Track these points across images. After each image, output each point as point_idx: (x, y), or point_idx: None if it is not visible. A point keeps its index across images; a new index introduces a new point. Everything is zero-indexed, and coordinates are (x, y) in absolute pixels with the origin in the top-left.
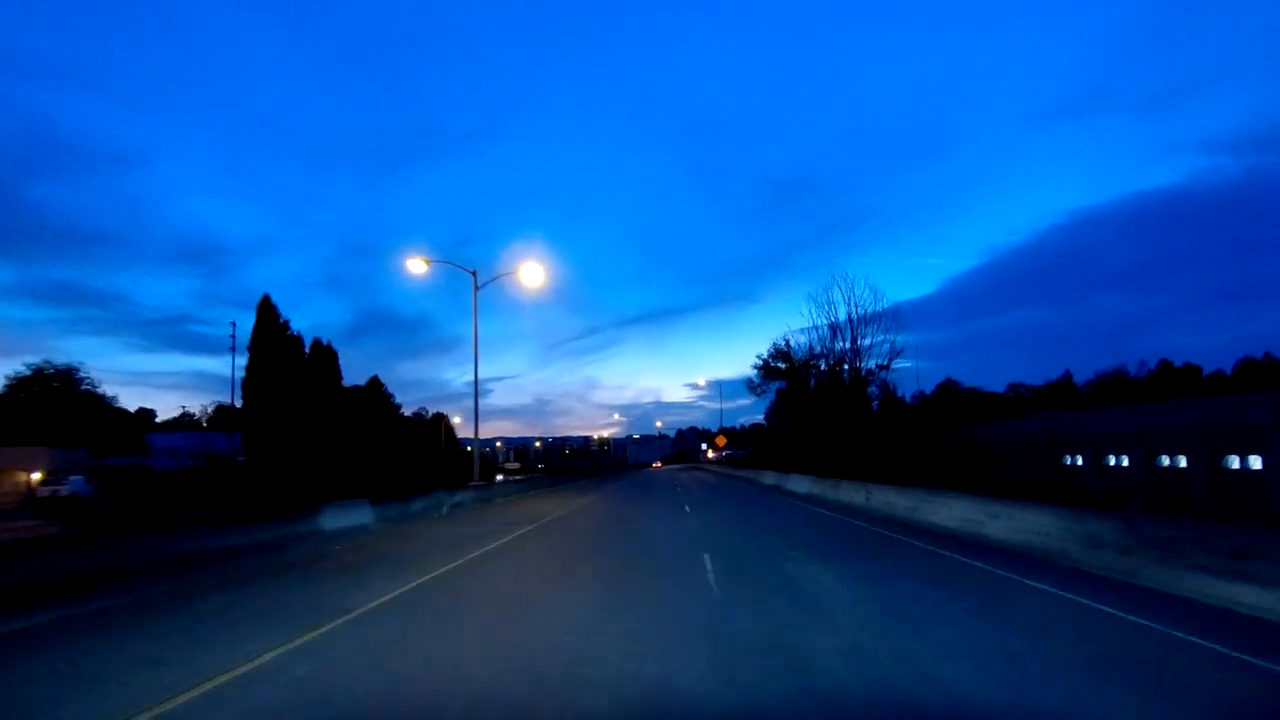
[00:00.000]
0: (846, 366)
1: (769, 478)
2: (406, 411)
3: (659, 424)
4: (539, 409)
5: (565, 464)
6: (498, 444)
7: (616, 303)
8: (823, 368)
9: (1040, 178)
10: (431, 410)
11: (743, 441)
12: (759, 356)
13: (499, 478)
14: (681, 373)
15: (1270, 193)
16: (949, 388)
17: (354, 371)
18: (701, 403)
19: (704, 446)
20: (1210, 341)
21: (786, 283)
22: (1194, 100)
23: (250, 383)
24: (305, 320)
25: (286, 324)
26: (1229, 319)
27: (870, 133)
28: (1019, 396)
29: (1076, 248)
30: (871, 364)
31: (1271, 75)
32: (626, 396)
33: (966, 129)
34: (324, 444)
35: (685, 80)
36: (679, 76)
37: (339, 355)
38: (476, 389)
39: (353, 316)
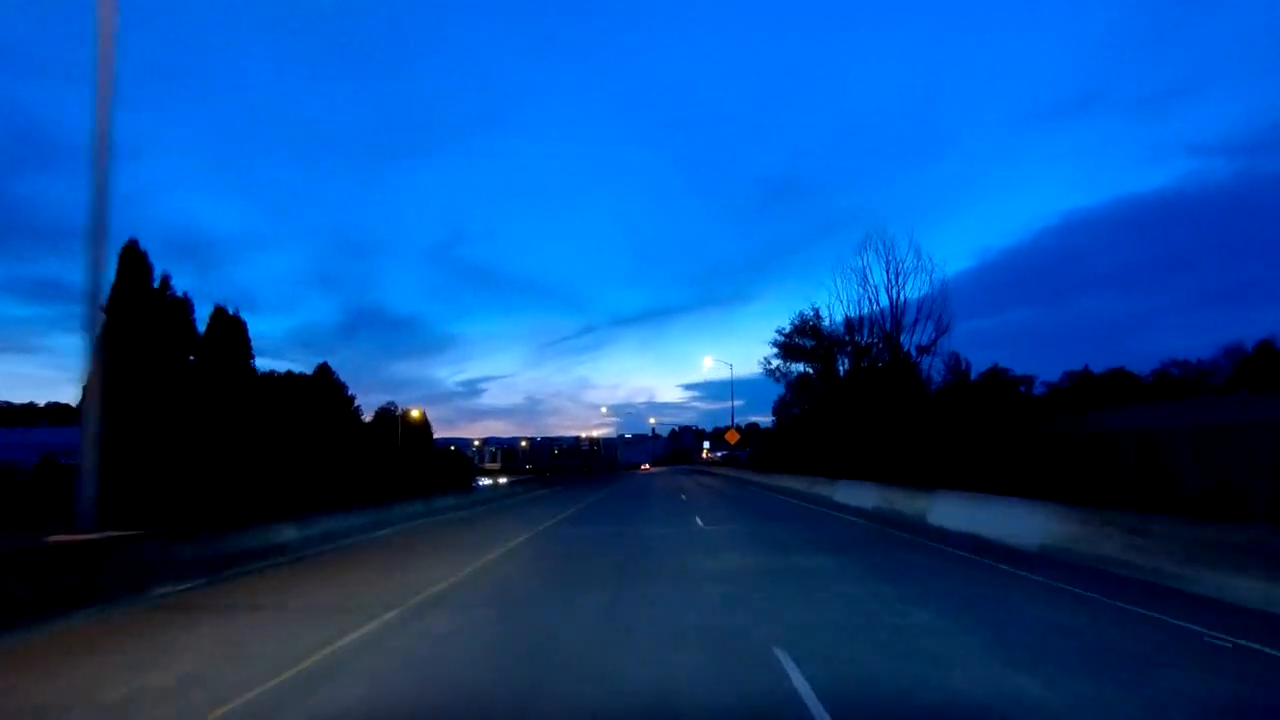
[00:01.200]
0: (887, 343)
1: (864, 493)
2: (370, 409)
3: (652, 420)
4: (531, 409)
5: (552, 464)
6: (476, 443)
7: (610, 302)
8: (863, 341)
9: (1033, 179)
10: (426, 410)
11: (739, 442)
12: (779, 332)
13: (485, 481)
14: (675, 373)
15: (1262, 194)
16: (998, 375)
17: (347, 372)
18: (694, 403)
19: (705, 445)
20: (1207, 340)
21: (780, 284)
22: (1186, 103)
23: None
24: (298, 318)
25: (166, 281)
26: (1224, 318)
27: (864, 134)
28: (1077, 386)
29: (1070, 249)
30: (911, 346)
31: (1263, 78)
32: (619, 396)
33: (960, 130)
34: (211, 442)
35: (680, 80)
36: (674, 76)
37: (332, 357)
38: (104, 150)
39: (344, 315)
